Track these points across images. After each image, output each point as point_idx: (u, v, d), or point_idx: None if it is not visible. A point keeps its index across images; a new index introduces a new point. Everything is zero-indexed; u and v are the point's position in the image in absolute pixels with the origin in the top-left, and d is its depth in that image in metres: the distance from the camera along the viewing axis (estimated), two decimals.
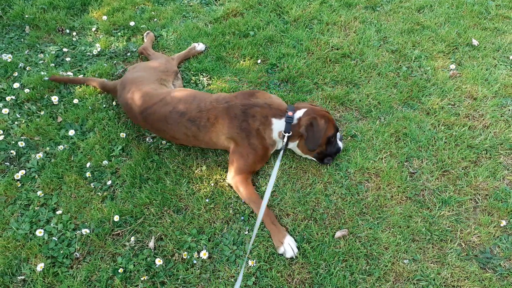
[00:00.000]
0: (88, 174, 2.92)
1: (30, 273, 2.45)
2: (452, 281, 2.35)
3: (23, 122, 3.26)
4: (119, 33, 4.05)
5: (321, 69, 3.58)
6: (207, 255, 2.48)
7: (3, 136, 3.16)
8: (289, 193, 2.76)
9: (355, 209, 2.68)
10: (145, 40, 3.93)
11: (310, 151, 2.79)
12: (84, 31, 4.12)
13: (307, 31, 3.94)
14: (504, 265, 2.42)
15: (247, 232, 2.59)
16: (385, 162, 2.91)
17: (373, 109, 3.26)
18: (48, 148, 3.10)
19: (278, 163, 2.61)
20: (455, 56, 3.66)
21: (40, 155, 3.03)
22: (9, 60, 3.73)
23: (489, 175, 2.82)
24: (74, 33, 4.08)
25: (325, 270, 2.42)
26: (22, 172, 2.94)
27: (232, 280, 2.40)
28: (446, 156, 2.92)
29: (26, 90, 3.45)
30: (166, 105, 2.82)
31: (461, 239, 2.53)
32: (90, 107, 3.35)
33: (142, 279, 2.40)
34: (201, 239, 2.56)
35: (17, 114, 3.32)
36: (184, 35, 3.95)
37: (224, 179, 2.86)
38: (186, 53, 3.73)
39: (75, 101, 3.39)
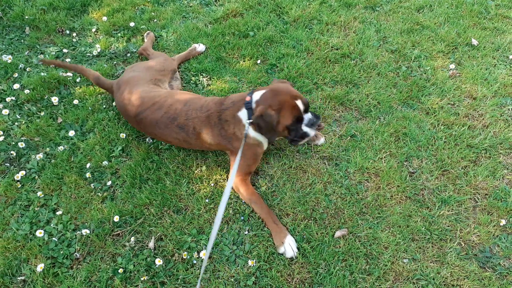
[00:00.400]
0: (88, 174, 2.92)
1: (30, 273, 2.45)
2: (451, 280, 2.36)
3: (23, 123, 3.27)
4: (119, 34, 4.06)
5: (320, 69, 3.58)
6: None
7: (3, 137, 3.17)
8: (288, 193, 2.76)
9: (354, 208, 2.68)
10: (145, 40, 3.94)
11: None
12: (84, 32, 4.12)
13: (307, 31, 3.94)
14: (504, 264, 2.42)
15: (247, 232, 2.59)
16: (384, 162, 2.91)
17: (372, 109, 3.26)
18: (48, 149, 3.10)
19: (235, 166, 2.45)
20: (454, 56, 3.66)
21: (40, 155, 3.04)
22: (9, 61, 3.74)
23: (488, 174, 2.82)
24: (74, 34, 4.08)
25: (325, 269, 2.42)
26: (22, 172, 2.94)
27: (232, 280, 2.40)
28: (446, 155, 2.92)
29: (26, 91, 3.46)
30: (158, 110, 2.81)
31: (461, 238, 2.54)
32: (90, 108, 3.35)
33: (142, 279, 2.40)
34: (201, 239, 2.56)
35: (17, 115, 3.33)
36: (184, 35, 3.95)
37: (224, 179, 2.86)
38: (187, 54, 3.73)
39: (75, 102, 3.40)
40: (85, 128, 3.24)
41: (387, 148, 3.00)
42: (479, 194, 2.74)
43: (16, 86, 3.50)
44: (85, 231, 2.60)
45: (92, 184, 2.88)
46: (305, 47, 3.76)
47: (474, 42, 3.74)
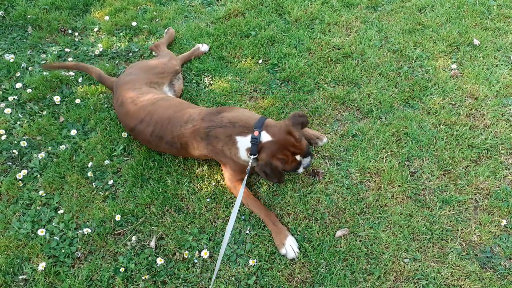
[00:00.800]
0: (89, 173, 2.93)
1: (32, 272, 2.46)
2: (452, 280, 2.36)
3: (25, 122, 3.28)
4: (121, 34, 4.07)
5: (322, 69, 3.58)
6: (208, 254, 2.49)
7: (5, 136, 3.18)
8: (290, 193, 2.76)
9: (355, 208, 2.69)
10: (164, 36, 3.94)
11: None
12: (86, 31, 4.13)
13: (309, 31, 3.94)
14: (505, 264, 2.42)
15: (248, 232, 2.60)
16: (386, 162, 2.91)
17: (374, 109, 3.26)
18: (50, 148, 3.11)
19: (242, 189, 2.46)
20: (456, 56, 3.65)
21: (42, 154, 3.04)
22: (11, 60, 3.75)
23: (490, 174, 2.82)
24: (76, 34, 4.09)
25: (326, 269, 2.42)
26: (24, 171, 2.95)
27: (233, 279, 2.41)
28: (447, 155, 2.92)
29: (29, 90, 3.47)
30: (147, 127, 2.81)
31: (462, 238, 2.53)
32: (92, 107, 3.36)
33: (143, 278, 2.41)
34: (202, 239, 2.57)
35: (19, 114, 3.34)
36: (186, 35, 3.96)
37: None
38: (190, 54, 3.73)
39: (77, 101, 3.41)
40: (87, 127, 3.24)
41: (388, 148, 3.00)
42: (480, 194, 2.74)
43: (19, 85, 3.52)
44: (86, 230, 2.61)
45: (93, 183, 2.89)
46: (306, 46, 3.76)
47: (476, 42, 3.73)
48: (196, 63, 3.68)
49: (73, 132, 3.16)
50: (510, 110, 3.20)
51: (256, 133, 2.49)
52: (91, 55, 3.88)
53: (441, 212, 2.64)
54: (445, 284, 2.35)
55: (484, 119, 3.15)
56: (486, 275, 2.37)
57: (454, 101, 3.30)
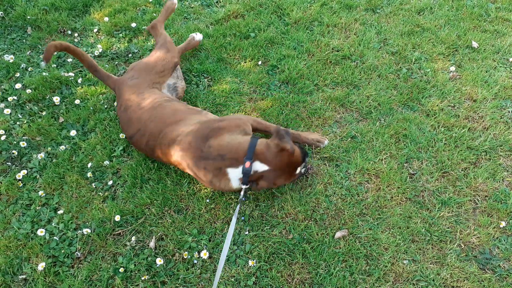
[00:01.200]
0: (89, 174, 2.93)
1: (31, 272, 2.47)
2: (451, 282, 2.36)
3: (25, 122, 3.28)
4: (121, 35, 4.07)
5: (321, 70, 3.59)
6: (207, 255, 2.49)
7: (5, 136, 3.18)
8: (289, 193, 2.77)
9: (355, 209, 2.69)
10: (162, 11, 3.67)
11: None
12: (86, 32, 4.14)
13: (308, 33, 3.95)
14: (504, 266, 2.43)
15: (247, 232, 2.60)
16: (385, 163, 2.92)
17: (373, 111, 3.27)
18: (49, 148, 3.11)
19: (234, 219, 2.42)
20: (455, 58, 3.67)
21: (41, 155, 3.05)
22: (11, 60, 3.75)
23: (488, 176, 2.83)
24: (76, 34, 4.09)
25: (325, 270, 2.43)
26: (24, 172, 2.96)
27: (232, 279, 2.41)
28: (446, 157, 2.93)
29: (28, 91, 3.47)
30: (143, 137, 2.78)
31: (461, 240, 2.54)
32: (91, 108, 3.36)
33: (142, 278, 2.41)
34: (201, 239, 2.57)
35: (19, 115, 3.34)
36: (185, 36, 3.96)
37: None
38: (186, 45, 3.69)
39: (77, 101, 3.41)
40: (86, 128, 3.25)
41: (387, 149, 3.01)
42: (479, 196, 2.75)
43: (18, 85, 3.52)
44: (86, 231, 2.61)
45: (93, 184, 2.89)
46: (306, 48, 3.77)
47: (475, 44, 3.75)
48: (195, 64, 3.69)
49: (73, 132, 3.17)
50: (509, 112, 3.22)
51: (247, 164, 2.42)
52: (90, 55, 3.87)
53: (440, 214, 2.65)
54: (444, 286, 2.36)
55: (483, 121, 3.17)
56: (485, 276, 2.38)
57: (453, 103, 3.31)
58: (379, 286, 2.36)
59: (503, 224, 2.59)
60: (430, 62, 3.65)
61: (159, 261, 2.46)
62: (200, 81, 3.57)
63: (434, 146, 3.01)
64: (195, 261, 2.49)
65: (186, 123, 2.71)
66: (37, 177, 2.95)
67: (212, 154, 2.49)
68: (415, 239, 2.55)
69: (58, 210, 2.75)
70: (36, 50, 3.95)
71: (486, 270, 2.42)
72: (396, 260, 2.46)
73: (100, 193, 2.84)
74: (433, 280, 2.37)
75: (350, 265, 2.45)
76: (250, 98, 3.42)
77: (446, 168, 2.88)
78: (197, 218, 2.68)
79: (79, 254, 2.54)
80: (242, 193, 2.53)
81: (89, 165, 2.99)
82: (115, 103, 3.38)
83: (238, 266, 2.46)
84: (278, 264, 2.46)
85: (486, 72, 3.53)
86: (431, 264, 2.45)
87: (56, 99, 3.40)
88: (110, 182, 2.89)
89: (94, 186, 2.88)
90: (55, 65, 3.74)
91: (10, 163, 3.04)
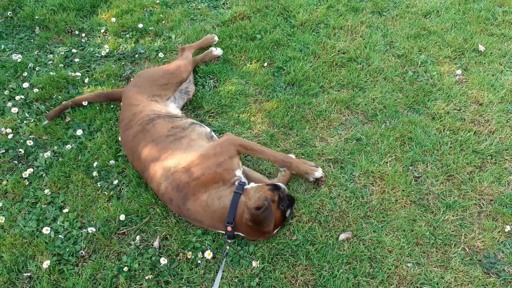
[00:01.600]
0: (95, 173, 2.95)
1: (36, 270, 2.48)
2: (455, 285, 2.36)
3: (31, 121, 3.31)
4: (128, 35, 4.09)
5: (327, 72, 3.59)
6: (211, 255, 2.50)
7: (12, 135, 3.21)
8: (293, 195, 2.77)
9: (359, 212, 2.69)
10: (201, 40, 3.80)
11: None
12: (93, 32, 4.16)
13: (314, 35, 3.96)
14: (508, 270, 2.41)
15: None
16: (390, 166, 2.92)
17: (378, 113, 3.27)
18: (56, 147, 3.13)
19: (220, 272, 2.43)
20: (461, 62, 3.66)
21: (48, 154, 3.07)
22: (19, 60, 3.78)
23: (494, 180, 2.82)
24: (83, 35, 4.12)
25: (329, 272, 2.43)
26: (30, 170, 2.98)
27: (236, 280, 2.41)
28: (451, 160, 2.92)
29: (35, 90, 3.50)
30: (135, 161, 2.78)
31: (465, 243, 2.53)
32: (97, 108, 3.38)
33: (146, 277, 2.42)
34: (205, 240, 2.58)
35: (26, 114, 3.37)
36: (192, 38, 3.98)
37: None
38: (202, 57, 3.71)
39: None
40: (92, 128, 3.27)
41: (392, 152, 3.00)
42: (484, 199, 2.74)
43: (26, 85, 3.55)
44: (91, 229, 2.63)
45: (98, 183, 2.90)
46: (311, 50, 3.78)
47: (481, 48, 3.74)
48: (201, 65, 3.70)
49: (79, 132, 3.19)
50: None
51: (229, 228, 2.43)
52: (97, 56, 3.90)
53: (444, 217, 2.64)
54: None
55: (489, 125, 3.15)
56: (489, 280, 2.37)
57: (458, 106, 3.30)
58: None
59: (508, 228, 2.58)
60: (436, 65, 3.64)
61: (163, 260, 2.47)
62: (206, 82, 3.58)
63: (440, 149, 3.00)
64: (199, 261, 2.50)
65: (165, 166, 2.60)
66: (43, 175, 2.97)
67: (192, 217, 2.55)
68: (419, 242, 2.54)
69: (64, 209, 2.77)
70: (44, 50, 3.98)
71: (491, 274, 2.41)
72: (400, 263, 2.45)
73: (105, 192, 2.86)
74: (437, 284, 2.36)
75: (353, 267, 2.44)
76: (255, 100, 3.43)
77: (451, 171, 2.87)
78: None
79: (83, 252, 2.56)
80: (227, 247, 2.53)
81: (95, 164, 3.01)
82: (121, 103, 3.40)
83: (242, 267, 2.46)
84: (282, 266, 2.46)
85: (493, 75, 3.52)
86: (435, 267, 2.44)
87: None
88: (116, 182, 2.90)
89: (100, 185, 2.89)
90: (62, 65, 3.77)
91: (16, 162, 3.06)
